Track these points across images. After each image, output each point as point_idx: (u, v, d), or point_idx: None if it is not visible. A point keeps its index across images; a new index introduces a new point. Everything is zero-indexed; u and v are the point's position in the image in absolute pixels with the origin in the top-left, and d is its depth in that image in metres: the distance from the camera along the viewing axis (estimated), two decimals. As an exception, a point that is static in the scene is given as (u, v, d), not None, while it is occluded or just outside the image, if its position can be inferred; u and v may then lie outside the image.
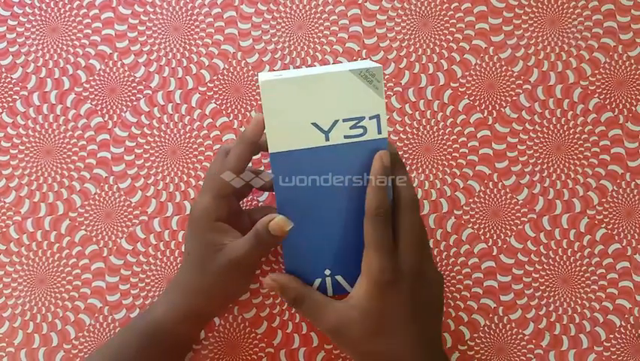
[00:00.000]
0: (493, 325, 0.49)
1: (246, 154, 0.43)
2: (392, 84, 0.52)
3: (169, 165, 0.51)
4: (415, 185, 0.51)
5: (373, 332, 0.40)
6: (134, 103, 0.52)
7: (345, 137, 0.41)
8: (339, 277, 0.44)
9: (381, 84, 0.40)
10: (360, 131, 0.41)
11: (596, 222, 0.50)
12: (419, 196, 0.51)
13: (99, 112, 0.52)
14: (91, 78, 0.53)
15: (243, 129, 0.52)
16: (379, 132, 0.41)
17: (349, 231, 0.42)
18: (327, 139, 0.41)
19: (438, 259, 0.50)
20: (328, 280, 0.44)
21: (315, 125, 0.41)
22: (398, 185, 0.41)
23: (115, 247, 0.51)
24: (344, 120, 0.41)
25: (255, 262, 0.46)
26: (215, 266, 0.42)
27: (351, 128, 0.41)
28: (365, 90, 0.40)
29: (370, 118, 0.41)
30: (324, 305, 0.41)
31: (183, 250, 0.46)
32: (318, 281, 0.44)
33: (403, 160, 0.51)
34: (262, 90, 0.40)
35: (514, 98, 0.51)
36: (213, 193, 0.43)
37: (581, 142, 0.51)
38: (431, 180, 0.51)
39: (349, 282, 0.44)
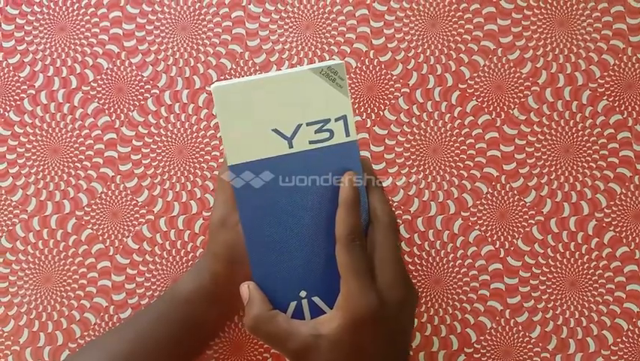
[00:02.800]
0: (499, 327, 0.49)
1: None
2: (400, 85, 0.52)
3: (175, 164, 0.51)
4: (422, 186, 0.50)
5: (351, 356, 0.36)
6: (142, 102, 0.52)
7: (311, 142, 0.38)
8: (316, 299, 0.39)
9: (344, 82, 0.37)
10: (327, 135, 0.38)
11: (604, 225, 0.50)
12: (425, 198, 0.50)
13: (106, 111, 0.52)
14: (98, 77, 0.53)
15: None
16: (347, 135, 0.38)
17: (324, 247, 0.39)
18: (291, 146, 0.38)
19: (445, 261, 0.50)
20: (304, 302, 0.39)
21: (276, 131, 0.38)
22: (373, 203, 0.38)
23: (121, 246, 0.51)
24: (308, 124, 0.38)
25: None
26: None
27: (316, 132, 0.38)
28: (328, 90, 0.37)
29: (336, 120, 0.38)
30: (288, 331, 0.37)
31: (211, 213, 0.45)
32: (293, 305, 0.39)
33: (410, 161, 0.51)
34: (215, 98, 0.37)
35: (522, 99, 0.51)
36: (228, 204, 0.42)
37: (590, 144, 0.51)
38: (438, 181, 0.51)
39: (328, 303, 0.39)
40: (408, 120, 0.51)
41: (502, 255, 0.50)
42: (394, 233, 0.37)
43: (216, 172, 0.51)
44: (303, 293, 0.39)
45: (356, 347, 0.36)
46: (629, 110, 0.51)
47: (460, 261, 0.50)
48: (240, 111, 0.37)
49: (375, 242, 0.37)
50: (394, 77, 0.52)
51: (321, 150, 0.38)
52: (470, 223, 0.50)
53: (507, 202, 0.50)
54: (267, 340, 0.38)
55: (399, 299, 0.37)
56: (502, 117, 0.51)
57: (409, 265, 0.50)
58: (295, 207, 0.38)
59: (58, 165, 0.52)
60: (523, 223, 0.50)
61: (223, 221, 0.42)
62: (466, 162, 0.51)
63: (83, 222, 0.51)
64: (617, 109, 0.51)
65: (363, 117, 0.51)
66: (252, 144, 0.38)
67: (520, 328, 0.49)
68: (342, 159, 0.38)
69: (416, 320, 0.43)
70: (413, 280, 0.49)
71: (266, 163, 0.38)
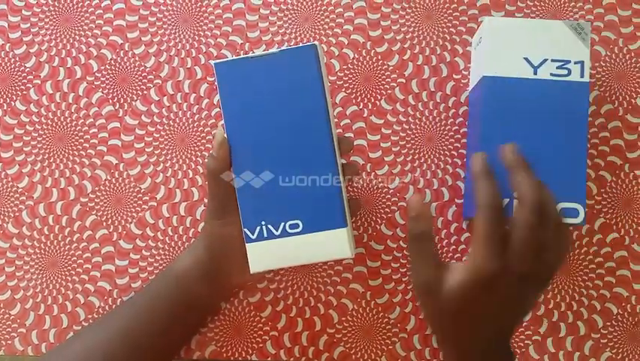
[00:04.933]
0: (492, 311, 0.51)
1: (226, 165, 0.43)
2: (396, 75, 0.53)
3: (177, 152, 0.53)
4: (417, 174, 0.52)
5: (453, 317, 0.40)
6: (145, 92, 0.54)
7: (552, 74, 0.46)
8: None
9: (588, 37, 0.46)
10: (566, 72, 0.46)
11: (595, 211, 0.51)
12: (421, 185, 0.52)
13: (110, 101, 0.54)
14: (102, 68, 0.54)
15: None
16: (582, 76, 0.46)
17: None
18: (535, 73, 0.46)
19: (439, 247, 0.51)
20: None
21: (526, 60, 0.46)
22: (517, 183, 0.40)
23: (124, 232, 0.52)
24: (552, 60, 0.46)
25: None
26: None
27: (557, 68, 0.46)
28: (574, 39, 0.46)
29: (575, 63, 0.46)
30: (432, 258, 0.40)
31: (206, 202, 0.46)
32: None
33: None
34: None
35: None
36: (226, 150, 0.42)
37: (581, 133, 0.52)
38: (433, 169, 0.52)
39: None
40: (404, 110, 0.53)
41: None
42: (533, 213, 0.38)
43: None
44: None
45: (467, 305, 0.39)
46: (620, 100, 0.52)
47: (454, 247, 0.51)
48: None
49: (516, 219, 0.39)
50: (390, 67, 0.53)
51: (558, 82, 0.46)
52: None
53: (500, 190, 0.52)
54: (418, 257, 0.40)
55: (524, 272, 0.38)
56: (496, 107, 0.52)
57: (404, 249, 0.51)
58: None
59: (63, 153, 0.53)
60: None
61: (218, 215, 0.44)
62: (460, 151, 0.52)
63: (88, 209, 0.53)
64: (608, 99, 0.52)
65: (360, 107, 0.53)
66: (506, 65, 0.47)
67: (512, 311, 0.50)
68: (572, 96, 0.45)
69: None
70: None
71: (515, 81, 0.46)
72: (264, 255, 0.41)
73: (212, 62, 0.45)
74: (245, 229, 0.42)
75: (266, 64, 0.42)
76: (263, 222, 0.41)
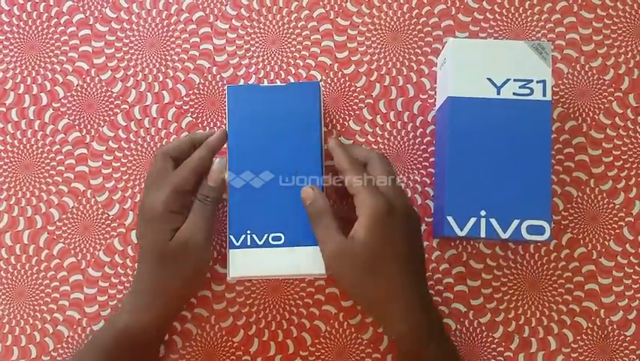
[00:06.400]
0: (464, 328, 0.51)
1: (209, 159, 0.47)
2: (364, 96, 0.53)
3: (146, 177, 0.52)
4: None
5: (371, 267, 0.42)
6: (112, 118, 0.53)
7: (514, 94, 0.47)
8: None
9: (549, 56, 0.47)
10: (528, 91, 0.47)
11: (562, 227, 0.52)
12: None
13: (77, 127, 0.53)
14: (69, 94, 0.54)
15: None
16: (544, 95, 0.47)
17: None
18: (499, 93, 0.47)
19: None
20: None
21: (489, 80, 0.47)
22: (361, 153, 0.47)
23: (93, 260, 0.52)
24: (515, 80, 0.47)
25: (208, 232, 0.45)
26: (171, 249, 0.44)
27: (520, 87, 0.47)
28: (535, 59, 0.47)
29: (537, 82, 0.47)
30: (335, 230, 0.43)
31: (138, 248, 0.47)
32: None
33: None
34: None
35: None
36: (172, 188, 0.44)
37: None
38: (403, 189, 0.52)
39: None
40: (372, 130, 0.53)
41: (464, 258, 0.51)
42: (388, 162, 0.46)
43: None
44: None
45: (380, 245, 0.42)
46: (584, 116, 0.53)
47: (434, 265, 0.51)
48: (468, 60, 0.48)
49: (375, 170, 0.45)
50: (358, 88, 0.54)
51: (521, 102, 0.46)
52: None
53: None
54: (322, 232, 0.44)
55: (405, 204, 0.44)
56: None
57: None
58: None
59: (29, 180, 0.53)
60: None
61: (166, 207, 0.45)
62: (429, 170, 0.53)
63: (55, 237, 0.52)
64: (572, 115, 0.53)
65: (329, 128, 0.53)
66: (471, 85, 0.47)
67: (483, 328, 0.51)
68: (535, 115, 0.46)
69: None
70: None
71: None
72: (244, 263, 0.44)
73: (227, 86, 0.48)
74: (230, 236, 0.45)
75: (274, 93, 0.47)
76: (248, 231, 0.45)
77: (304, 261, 0.45)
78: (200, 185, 0.46)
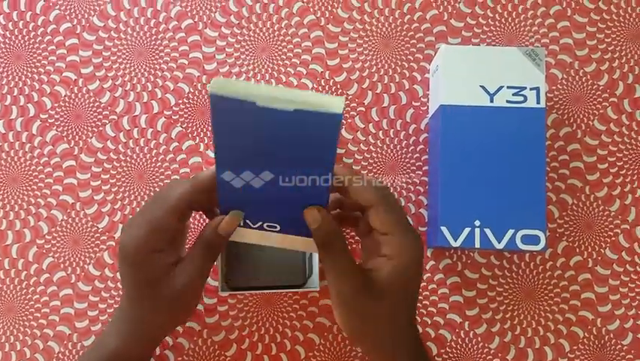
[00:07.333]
0: (459, 340, 0.50)
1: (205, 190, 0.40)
2: (355, 104, 0.53)
3: (136, 189, 0.52)
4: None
5: (389, 315, 0.39)
6: (100, 129, 0.52)
7: (508, 101, 0.46)
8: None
9: (542, 62, 0.46)
10: (521, 98, 0.46)
11: (557, 235, 0.51)
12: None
13: (65, 138, 0.52)
14: (56, 105, 0.53)
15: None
16: (537, 102, 0.46)
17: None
18: (492, 101, 0.46)
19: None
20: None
21: (482, 87, 0.46)
22: (362, 193, 0.40)
23: (83, 273, 0.51)
24: (508, 87, 0.46)
25: (206, 276, 0.42)
26: (163, 300, 0.40)
27: (513, 94, 0.46)
28: (529, 65, 0.47)
29: (531, 89, 0.46)
30: (352, 262, 0.39)
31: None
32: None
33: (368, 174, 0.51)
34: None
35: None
36: (150, 227, 0.39)
37: (541, 157, 0.52)
38: (396, 197, 0.51)
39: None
40: (364, 138, 0.52)
41: (459, 268, 0.51)
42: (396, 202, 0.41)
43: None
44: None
45: (404, 289, 0.39)
46: (578, 122, 0.53)
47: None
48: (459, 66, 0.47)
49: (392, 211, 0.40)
50: (350, 96, 0.53)
51: (515, 109, 0.46)
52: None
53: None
54: (330, 259, 0.39)
55: (421, 248, 0.40)
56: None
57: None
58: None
59: (17, 193, 0.52)
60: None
61: (136, 249, 0.40)
62: (422, 178, 0.52)
63: (44, 251, 0.51)
64: (567, 122, 0.53)
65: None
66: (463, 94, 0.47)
67: (479, 339, 0.50)
68: (529, 123, 0.46)
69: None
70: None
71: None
72: (237, 231, 0.41)
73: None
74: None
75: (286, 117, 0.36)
76: (241, 223, 0.41)
77: (299, 242, 0.41)
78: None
